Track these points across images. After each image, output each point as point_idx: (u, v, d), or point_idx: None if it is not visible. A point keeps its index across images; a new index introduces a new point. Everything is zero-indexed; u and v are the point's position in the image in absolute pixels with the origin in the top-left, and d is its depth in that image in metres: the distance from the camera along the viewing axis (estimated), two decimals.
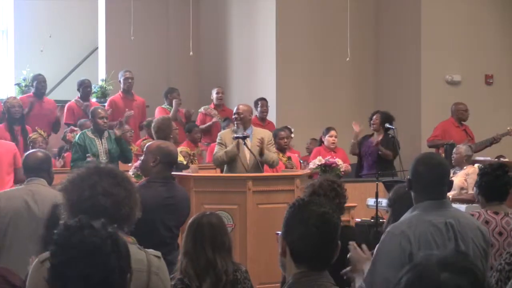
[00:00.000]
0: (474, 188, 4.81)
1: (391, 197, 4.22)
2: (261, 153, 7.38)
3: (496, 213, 4.51)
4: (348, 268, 3.45)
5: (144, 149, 5.25)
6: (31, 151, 5.35)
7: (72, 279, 2.09)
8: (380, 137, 9.65)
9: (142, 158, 5.39)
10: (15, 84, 11.48)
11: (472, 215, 4.49)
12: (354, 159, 9.95)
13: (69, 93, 11.20)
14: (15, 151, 7.35)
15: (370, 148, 9.66)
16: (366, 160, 9.64)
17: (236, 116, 7.59)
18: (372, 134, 9.81)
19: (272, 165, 7.58)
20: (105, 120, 8.18)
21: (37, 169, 4.95)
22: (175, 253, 4.63)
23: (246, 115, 7.60)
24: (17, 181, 7.05)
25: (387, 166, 9.42)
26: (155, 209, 4.76)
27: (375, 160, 9.56)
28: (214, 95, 10.82)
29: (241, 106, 7.71)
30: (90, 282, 2.09)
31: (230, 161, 7.36)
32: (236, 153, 7.32)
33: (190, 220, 4.16)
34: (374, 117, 9.78)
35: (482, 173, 4.70)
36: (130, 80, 10.41)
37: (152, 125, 7.89)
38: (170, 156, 5.08)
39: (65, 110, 10.04)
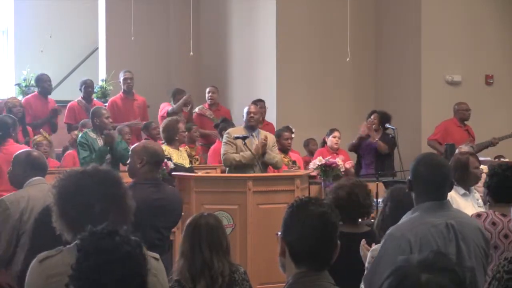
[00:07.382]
0: (484, 188, 4.74)
1: (384, 197, 4.22)
2: (263, 153, 7.44)
3: (504, 215, 4.46)
4: None
5: (130, 151, 5.19)
6: (26, 150, 5.30)
7: (106, 285, 2.08)
8: (378, 137, 9.70)
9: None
10: (15, 84, 11.47)
11: (480, 215, 4.50)
12: (354, 160, 9.95)
13: (69, 93, 11.20)
14: None
15: (368, 147, 9.69)
16: (364, 159, 9.69)
17: (252, 116, 7.66)
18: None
19: (276, 166, 7.64)
20: (110, 120, 8.18)
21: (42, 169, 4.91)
22: (166, 255, 4.60)
23: (259, 116, 7.90)
24: None
25: (385, 164, 9.48)
26: (143, 211, 4.70)
27: (372, 159, 9.62)
28: (206, 94, 10.77)
29: (253, 106, 7.91)
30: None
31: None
32: (251, 161, 7.36)
33: (188, 221, 4.12)
34: (373, 116, 9.81)
35: (492, 174, 4.62)
36: (129, 81, 10.35)
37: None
38: (156, 156, 4.98)
39: (67, 110, 10.01)
